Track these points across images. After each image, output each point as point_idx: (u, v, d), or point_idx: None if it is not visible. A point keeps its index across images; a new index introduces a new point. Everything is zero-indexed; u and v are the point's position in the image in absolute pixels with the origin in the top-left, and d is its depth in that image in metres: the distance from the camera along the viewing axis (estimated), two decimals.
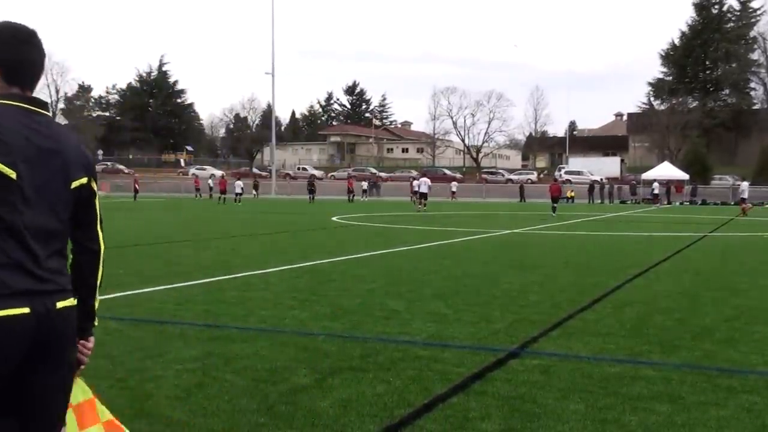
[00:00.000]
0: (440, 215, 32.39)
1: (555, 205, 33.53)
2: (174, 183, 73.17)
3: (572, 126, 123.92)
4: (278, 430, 4.34)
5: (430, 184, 40.31)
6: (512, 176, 77.63)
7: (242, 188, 48.69)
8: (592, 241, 19.47)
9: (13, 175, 2.23)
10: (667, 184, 55.25)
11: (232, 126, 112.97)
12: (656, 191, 52.44)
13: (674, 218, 31.93)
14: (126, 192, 58.44)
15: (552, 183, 36.00)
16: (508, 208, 43.03)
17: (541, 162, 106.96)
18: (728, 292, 9.92)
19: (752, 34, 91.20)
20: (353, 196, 51.61)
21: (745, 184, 38.50)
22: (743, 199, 36.39)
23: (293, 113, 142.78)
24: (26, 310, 2.22)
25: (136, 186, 52.70)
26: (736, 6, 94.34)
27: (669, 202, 53.03)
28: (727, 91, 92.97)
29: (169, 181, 75.43)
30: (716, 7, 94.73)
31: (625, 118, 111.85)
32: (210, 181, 58.00)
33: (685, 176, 58.05)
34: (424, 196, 37.73)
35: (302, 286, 10.04)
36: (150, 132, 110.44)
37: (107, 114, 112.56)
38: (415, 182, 42.45)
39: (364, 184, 56.72)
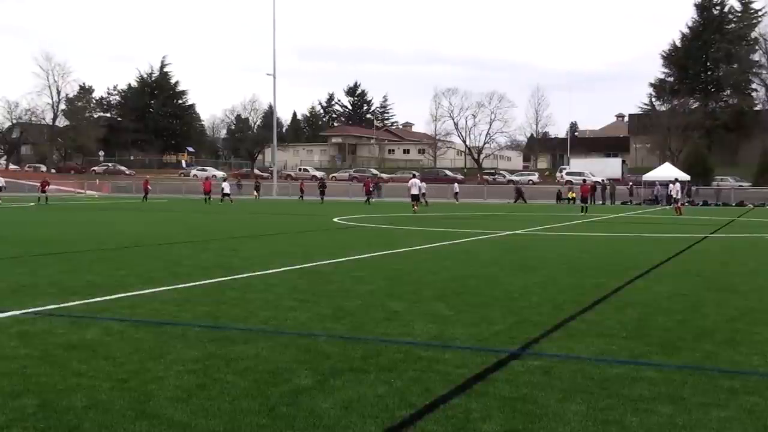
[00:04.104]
0: (440, 217, 32.38)
1: (585, 204, 37.78)
2: (175, 184, 73.20)
3: (573, 127, 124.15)
4: None
5: (420, 185, 40.11)
6: (513, 177, 77.67)
7: (230, 188, 49.81)
8: (593, 242, 19.46)
9: None
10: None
11: (233, 127, 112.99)
12: (672, 193, 51.75)
13: (675, 219, 31.91)
14: (127, 193, 58.48)
15: (582, 185, 40.21)
16: (508, 209, 43.03)
17: (543, 163, 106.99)
18: (729, 293, 9.92)
19: (753, 34, 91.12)
20: (371, 198, 49.79)
21: (677, 185, 39.71)
22: (676, 200, 38.29)
23: (294, 114, 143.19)
24: None
25: (148, 187, 52.06)
26: (738, 7, 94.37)
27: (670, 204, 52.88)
28: (728, 92, 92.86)
29: (170, 182, 75.44)
30: (717, 7, 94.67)
31: (626, 119, 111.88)
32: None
33: (687, 177, 57.93)
34: (415, 198, 37.63)
35: (303, 287, 10.04)
36: (151, 133, 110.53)
37: (108, 115, 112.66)
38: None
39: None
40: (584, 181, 43.58)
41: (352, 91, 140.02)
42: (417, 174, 58.42)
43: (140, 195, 52.97)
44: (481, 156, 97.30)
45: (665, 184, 54.67)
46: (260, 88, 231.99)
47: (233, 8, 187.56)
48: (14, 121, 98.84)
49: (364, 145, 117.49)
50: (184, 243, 17.56)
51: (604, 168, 73.43)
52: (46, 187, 46.78)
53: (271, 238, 19.54)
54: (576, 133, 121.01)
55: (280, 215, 32.63)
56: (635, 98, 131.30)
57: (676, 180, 41.98)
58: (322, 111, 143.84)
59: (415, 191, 37.91)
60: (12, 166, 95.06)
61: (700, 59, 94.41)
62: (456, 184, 59.22)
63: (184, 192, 66.24)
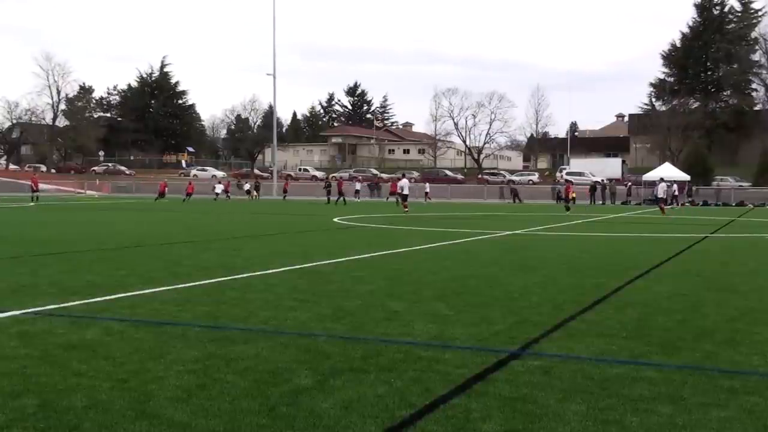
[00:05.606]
0: (440, 217, 32.39)
1: (567, 204, 38.38)
2: (175, 184, 73.07)
3: (573, 127, 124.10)
4: None
5: (410, 185, 40.36)
6: (513, 177, 77.70)
7: (222, 190, 55.53)
8: (593, 242, 19.46)
9: None
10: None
11: (233, 127, 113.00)
12: (676, 193, 51.57)
13: (675, 219, 31.90)
14: (128, 193, 58.46)
15: (567, 185, 41.30)
16: (508, 209, 43.03)
17: (543, 163, 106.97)
18: (729, 293, 9.92)
19: (753, 34, 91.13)
20: (342, 198, 47.84)
21: (663, 185, 39.38)
22: (662, 199, 38.17)
23: (294, 114, 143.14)
24: None
25: (163, 190, 52.20)
26: (737, 7, 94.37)
27: (670, 204, 52.85)
28: (728, 92, 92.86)
29: (170, 182, 75.29)
30: (717, 7, 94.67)
31: (626, 119, 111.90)
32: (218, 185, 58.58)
33: (687, 177, 57.94)
34: (404, 197, 37.80)
35: (303, 287, 10.04)
36: (151, 133, 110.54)
37: (108, 115, 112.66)
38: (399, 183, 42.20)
39: (357, 185, 57.26)
40: (567, 181, 45.01)
41: (352, 91, 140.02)
42: (407, 174, 58.95)
43: (140, 195, 53.00)
44: (481, 156, 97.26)
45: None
46: (260, 88, 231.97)
47: (233, 8, 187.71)
48: (14, 121, 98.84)
49: (364, 145, 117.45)
50: (184, 243, 17.56)
51: (604, 168, 73.44)
52: (37, 185, 46.93)
53: (271, 238, 19.53)
54: (576, 133, 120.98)
55: (280, 215, 32.63)
56: (635, 98, 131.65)
57: (661, 179, 42.19)
58: (322, 111, 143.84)
59: (406, 191, 38.21)
60: (12, 166, 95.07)
61: (700, 59, 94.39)
62: (427, 184, 59.56)
63: (183, 192, 66.08)
